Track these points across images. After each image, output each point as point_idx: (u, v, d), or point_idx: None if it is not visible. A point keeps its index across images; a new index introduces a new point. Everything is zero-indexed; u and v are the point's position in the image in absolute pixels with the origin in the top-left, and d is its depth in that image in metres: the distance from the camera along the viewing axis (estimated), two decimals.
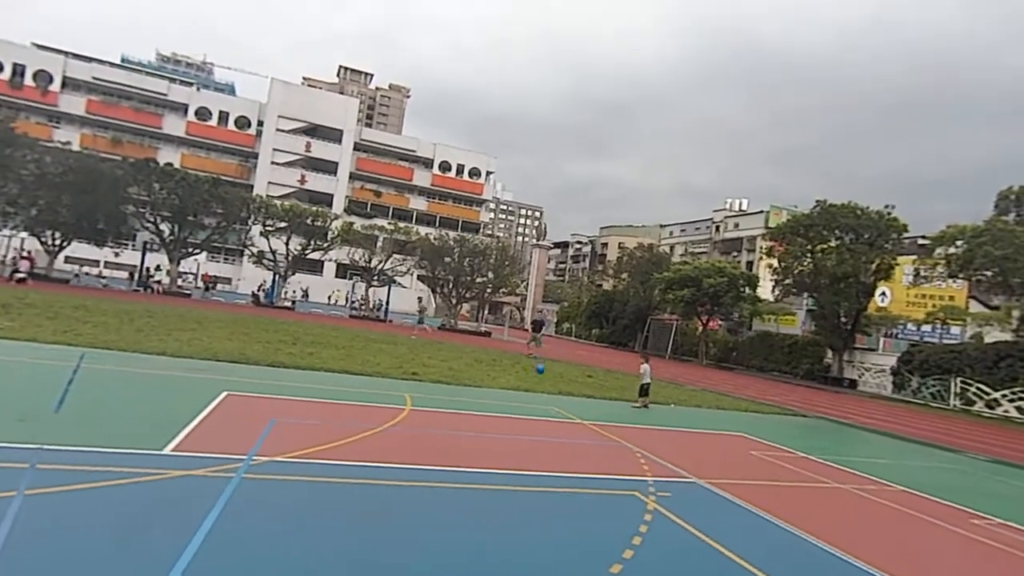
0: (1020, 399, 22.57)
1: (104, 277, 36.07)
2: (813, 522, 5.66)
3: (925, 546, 5.69)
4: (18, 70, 53.36)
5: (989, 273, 24.07)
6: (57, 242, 31.27)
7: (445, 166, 67.93)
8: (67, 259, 38.51)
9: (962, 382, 24.62)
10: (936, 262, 27.39)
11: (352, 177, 64.16)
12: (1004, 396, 23.04)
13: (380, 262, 38.50)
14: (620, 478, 6.47)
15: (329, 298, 54.30)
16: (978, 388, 24.00)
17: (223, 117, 59.99)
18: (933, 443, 13.29)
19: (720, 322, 42.46)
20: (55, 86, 54.62)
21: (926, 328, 34.94)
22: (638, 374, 13.18)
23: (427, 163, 67.66)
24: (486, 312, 46.83)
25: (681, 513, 5.35)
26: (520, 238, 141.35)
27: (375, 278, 38.85)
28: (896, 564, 4.75)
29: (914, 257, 32.84)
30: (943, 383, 25.33)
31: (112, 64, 63.92)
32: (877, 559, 4.78)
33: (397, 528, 4.24)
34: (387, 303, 39.73)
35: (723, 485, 6.63)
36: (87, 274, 37.61)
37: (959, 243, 25.38)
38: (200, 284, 40.41)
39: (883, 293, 35.42)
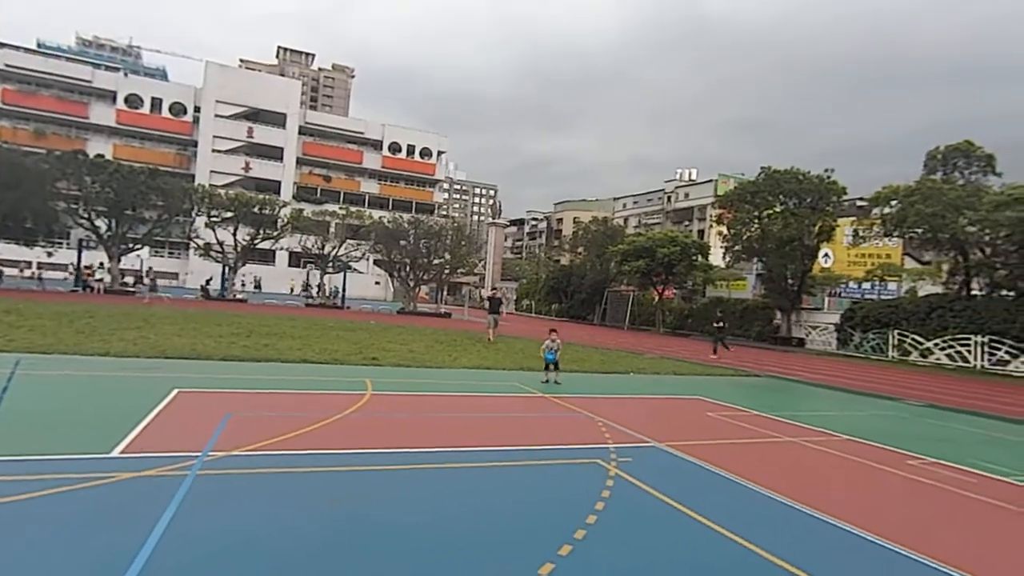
0: (950, 347, 24.14)
1: (41, 279, 33.93)
2: (767, 476, 5.94)
3: (869, 489, 6.06)
4: None
5: (920, 230, 25.40)
6: None
7: (395, 147, 66.67)
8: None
9: (899, 334, 26.13)
10: (873, 222, 28.75)
11: (299, 162, 62.30)
12: (936, 345, 24.60)
13: (334, 248, 37.70)
14: (582, 447, 6.62)
15: (292, 290, 52.78)
16: (913, 339, 25.52)
17: (156, 104, 56.99)
18: (873, 393, 14.10)
19: (675, 291, 43.52)
20: None
21: (866, 286, 36.87)
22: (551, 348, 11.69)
23: (376, 145, 66.24)
24: (445, 293, 46.63)
25: (642, 476, 5.52)
26: (475, 217, 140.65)
27: (329, 265, 38.06)
28: (846, 508, 5.04)
29: (853, 218, 34.37)
30: (882, 336, 26.82)
31: (27, 50, 59.54)
32: (828, 505, 5.07)
33: (365, 512, 4.22)
34: (343, 290, 39.04)
35: (681, 447, 6.87)
36: (38, 277, 34.94)
37: (893, 203, 26.66)
38: (146, 281, 37.75)
39: (826, 254, 37.04)
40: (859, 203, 38.97)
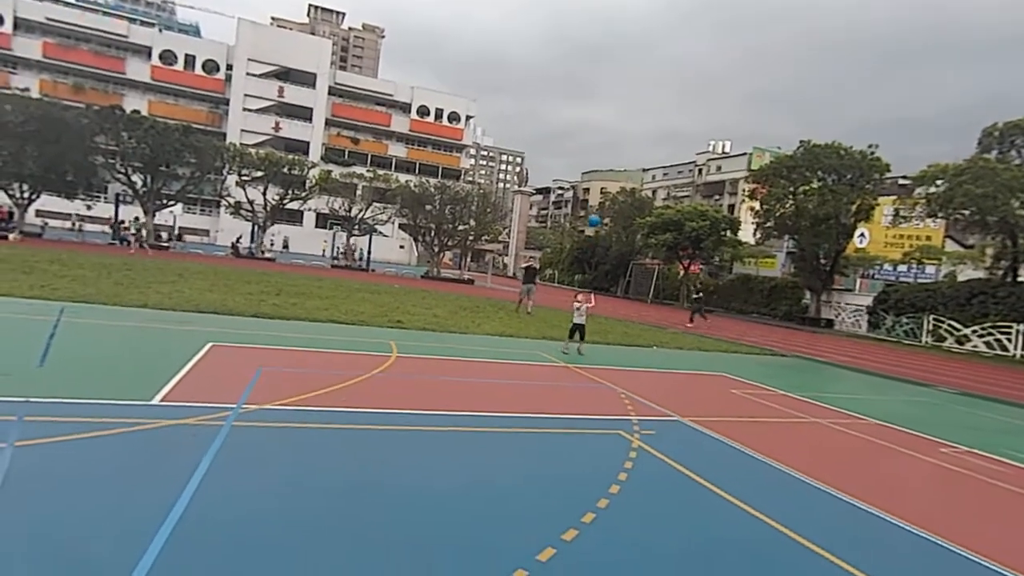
0: (989, 334, 23.41)
1: (81, 230, 34.94)
2: (791, 455, 5.90)
3: (897, 474, 5.98)
4: None
5: (967, 212, 24.37)
6: (26, 195, 30.15)
7: (424, 111, 66.02)
8: (38, 212, 37.28)
9: (935, 319, 25.40)
10: (916, 202, 27.65)
11: (328, 123, 62.22)
12: (974, 332, 23.87)
13: (360, 211, 37.92)
14: (605, 418, 6.64)
15: (324, 251, 53.12)
16: (950, 325, 24.79)
17: (189, 61, 57.15)
18: (905, 378, 13.81)
19: (701, 266, 42.89)
20: (7, 27, 51.30)
21: (902, 268, 35.77)
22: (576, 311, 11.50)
23: (405, 108, 65.65)
24: (469, 260, 46.70)
25: (665, 450, 5.53)
26: (501, 184, 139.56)
27: (355, 227, 38.34)
28: (871, 492, 5.00)
29: (894, 197, 33.12)
30: (916, 321, 26.11)
31: (66, 3, 59.99)
32: (853, 487, 5.02)
33: (390, 472, 4.33)
34: (369, 252, 39.39)
35: (705, 422, 6.85)
36: (78, 228, 35.92)
37: (939, 182, 25.57)
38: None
39: (862, 234, 35.90)
40: (901, 182, 37.52)
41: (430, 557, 3.12)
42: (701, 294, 26.32)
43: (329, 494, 3.77)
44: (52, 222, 37.16)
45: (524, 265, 22.78)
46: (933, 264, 34.23)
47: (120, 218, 35.08)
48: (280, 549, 3.02)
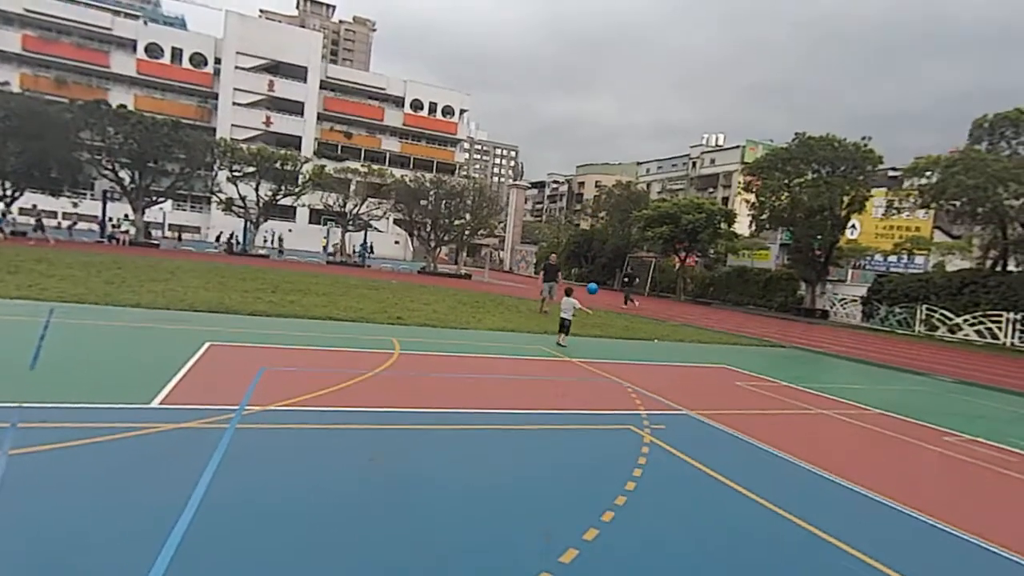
0: (979, 323, 23.60)
1: (71, 229, 34.43)
2: (802, 447, 5.85)
3: (907, 464, 5.94)
4: None
5: (959, 202, 24.51)
6: (8, 192, 29.60)
7: (417, 104, 65.62)
8: (21, 211, 36.67)
9: (927, 309, 25.57)
10: (909, 193, 27.77)
11: (320, 118, 61.73)
12: (965, 321, 24.06)
13: (355, 206, 37.61)
14: (614, 413, 6.56)
15: (325, 248, 52.26)
16: (942, 314, 24.97)
17: (176, 54, 56.44)
18: (902, 367, 13.84)
19: (697, 258, 43.00)
20: None
21: (892, 259, 36.01)
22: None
23: (398, 102, 65.24)
24: (465, 255, 46.53)
25: (677, 444, 5.45)
26: (496, 178, 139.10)
27: (350, 223, 38.05)
28: (883, 482, 4.95)
29: (885, 188, 33.25)
30: (909, 311, 26.27)
31: None
32: (864, 478, 4.98)
33: (400, 470, 4.21)
34: (364, 248, 39.12)
35: (714, 416, 6.78)
36: (69, 227, 35.26)
37: (929, 173, 25.70)
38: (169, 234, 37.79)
39: (852, 225, 36.06)
40: (892, 173, 37.69)
41: (448, 561, 3.02)
42: (628, 279, 28.88)
43: (342, 497, 3.65)
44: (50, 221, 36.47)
45: (545, 265, 19.70)
46: (922, 255, 34.48)
47: (110, 216, 34.59)
48: (295, 553, 2.90)
